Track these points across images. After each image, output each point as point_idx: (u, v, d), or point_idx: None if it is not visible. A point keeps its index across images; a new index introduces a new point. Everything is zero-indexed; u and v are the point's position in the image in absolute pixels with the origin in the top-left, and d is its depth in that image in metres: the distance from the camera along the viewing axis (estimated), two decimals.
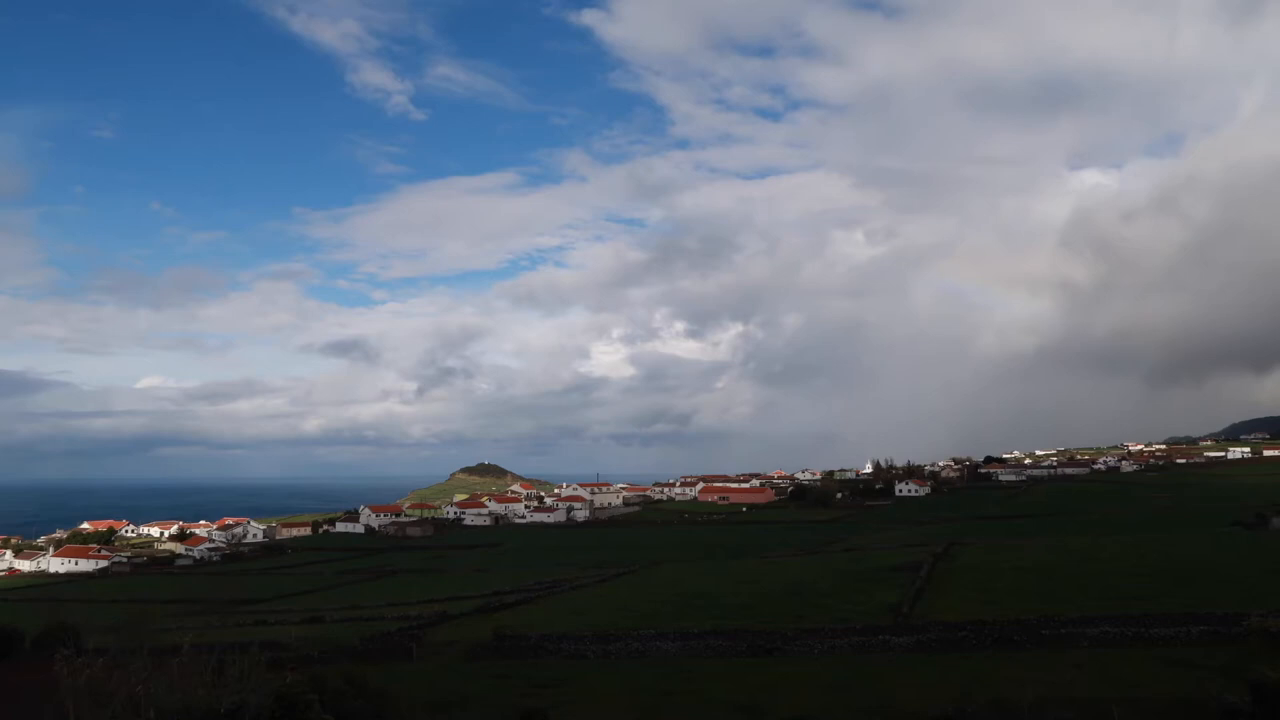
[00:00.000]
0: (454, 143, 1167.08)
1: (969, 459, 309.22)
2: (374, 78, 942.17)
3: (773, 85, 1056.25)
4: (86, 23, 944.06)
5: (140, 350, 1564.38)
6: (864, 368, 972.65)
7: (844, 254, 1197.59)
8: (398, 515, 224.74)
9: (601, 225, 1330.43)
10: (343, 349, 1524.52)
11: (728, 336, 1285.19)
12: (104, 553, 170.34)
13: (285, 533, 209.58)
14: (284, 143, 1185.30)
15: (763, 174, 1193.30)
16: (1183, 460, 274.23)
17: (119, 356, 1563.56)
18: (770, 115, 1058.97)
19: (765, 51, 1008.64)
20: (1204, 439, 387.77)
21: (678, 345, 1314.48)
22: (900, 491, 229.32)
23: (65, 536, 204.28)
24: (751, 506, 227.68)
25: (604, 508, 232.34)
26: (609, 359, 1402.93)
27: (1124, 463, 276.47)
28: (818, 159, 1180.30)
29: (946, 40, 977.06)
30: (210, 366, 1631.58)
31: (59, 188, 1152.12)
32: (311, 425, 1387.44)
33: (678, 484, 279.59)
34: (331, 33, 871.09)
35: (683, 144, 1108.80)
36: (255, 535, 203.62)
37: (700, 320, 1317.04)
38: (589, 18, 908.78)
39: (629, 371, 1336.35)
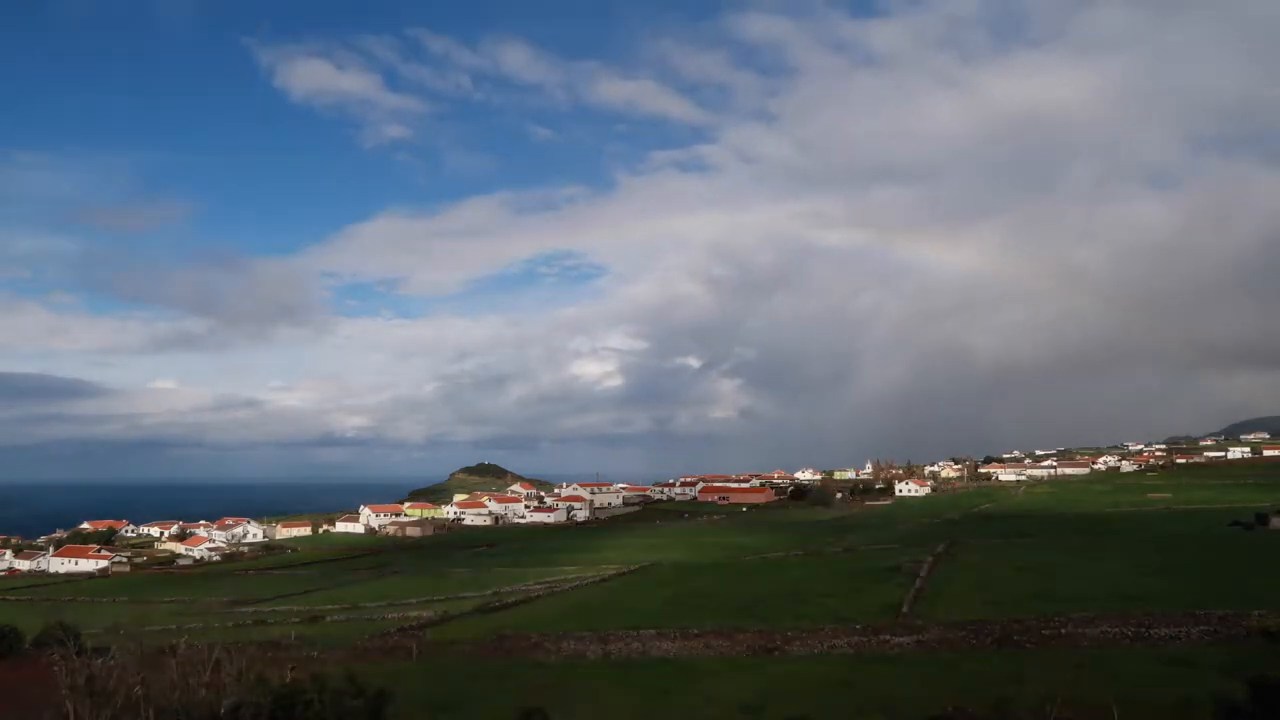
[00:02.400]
0: (449, 187, 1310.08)
1: (969, 459, 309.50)
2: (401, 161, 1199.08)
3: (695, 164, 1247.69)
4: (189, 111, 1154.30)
5: (152, 356, 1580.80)
6: (851, 373, 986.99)
7: (813, 273, 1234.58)
8: (398, 515, 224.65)
9: (582, 255, 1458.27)
10: (346, 354, 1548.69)
11: (709, 345, 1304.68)
12: (104, 553, 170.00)
13: (285, 533, 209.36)
14: (315, 196, 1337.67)
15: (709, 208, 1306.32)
16: (1183, 460, 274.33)
17: (131, 362, 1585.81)
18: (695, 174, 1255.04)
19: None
20: (1204, 439, 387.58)
21: (663, 355, 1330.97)
22: (900, 491, 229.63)
23: (65, 536, 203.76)
24: (751, 506, 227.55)
25: (604, 507, 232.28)
26: (602, 365, 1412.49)
27: (1124, 463, 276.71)
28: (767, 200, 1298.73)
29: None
30: (221, 373, 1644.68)
31: (112, 219, 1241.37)
32: (313, 427, 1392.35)
33: (677, 484, 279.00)
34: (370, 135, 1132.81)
35: (632, 193, 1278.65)
36: (255, 535, 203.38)
37: (681, 330, 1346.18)
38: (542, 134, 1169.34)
39: (620, 379, 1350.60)
